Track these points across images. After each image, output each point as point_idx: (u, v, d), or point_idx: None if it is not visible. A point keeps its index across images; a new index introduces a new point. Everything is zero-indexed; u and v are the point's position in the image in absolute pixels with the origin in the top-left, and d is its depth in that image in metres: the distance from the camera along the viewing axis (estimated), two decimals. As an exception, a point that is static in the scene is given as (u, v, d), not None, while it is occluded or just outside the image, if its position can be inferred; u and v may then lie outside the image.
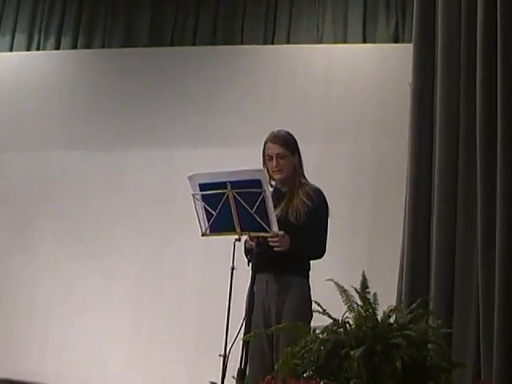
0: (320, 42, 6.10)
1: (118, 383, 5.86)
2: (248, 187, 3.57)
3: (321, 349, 3.03)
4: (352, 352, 2.93)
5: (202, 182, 3.66)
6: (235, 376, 3.50)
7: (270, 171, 3.93)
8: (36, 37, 6.80)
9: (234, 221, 3.61)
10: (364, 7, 5.99)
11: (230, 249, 3.75)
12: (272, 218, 3.59)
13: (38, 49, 6.78)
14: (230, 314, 3.71)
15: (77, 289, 6.16)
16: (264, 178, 3.62)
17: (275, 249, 3.66)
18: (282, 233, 3.65)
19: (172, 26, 6.52)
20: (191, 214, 3.75)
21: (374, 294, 3.17)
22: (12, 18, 6.87)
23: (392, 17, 5.91)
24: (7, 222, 6.47)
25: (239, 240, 3.68)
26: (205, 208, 3.67)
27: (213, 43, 6.39)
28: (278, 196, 3.88)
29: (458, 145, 4.24)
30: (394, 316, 3.17)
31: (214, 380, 3.55)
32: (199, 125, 6.14)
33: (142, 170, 6.25)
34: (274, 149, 3.93)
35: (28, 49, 6.80)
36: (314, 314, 3.46)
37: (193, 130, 6.14)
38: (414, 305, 3.26)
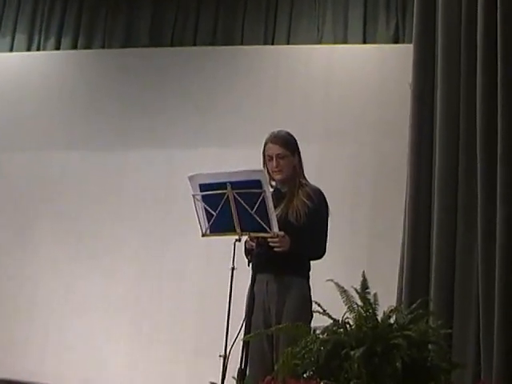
0: (320, 42, 6.11)
1: (117, 383, 5.86)
2: (248, 188, 3.57)
3: (321, 349, 3.03)
4: (352, 352, 2.93)
5: (203, 182, 3.66)
6: (235, 376, 3.50)
7: (270, 171, 3.93)
8: (36, 37, 6.81)
9: (235, 221, 3.62)
10: (364, 8, 5.99)
11: (230, 249, 3.76)
12: (272, 219, 3.59)
13: (38, 49, 6.79)
14: (230, 314, 3.72)
15: (77, 289, 6.16)
16: (264, 178, 3.62)
17: (275, 249, 3.66)
18: (282, 233, 3.65)
19: (172, 26, 6.52)
20: (191, 214, 3.75)
21: (375, 295, 3.17)
22: (12, 18, 6.88)
23: (392, 17, 5.92)
24: (7, 222, 6.47)
25: (239, 240, 3.68)
26: (205, 208, 3.67)
27: (213, 43, 6.39)
28: (278, 196, 3.88)
29: (458, 145, 4.24)
30: (394, 316, 3.17)
31: (214, 380, 3.55)
32: (199, 125, 6.14)
33: (142, 170, 6.25)
34: (274, 149, 3.93)
35: (28, 49, 6.81)
36: (314, 314, 3.46)
37: (193, 131, 6.15)
38: (414, 305, 3.27)
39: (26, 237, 6.39)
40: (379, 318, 3.11)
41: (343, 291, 3.20)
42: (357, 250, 5.52)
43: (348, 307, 3.15)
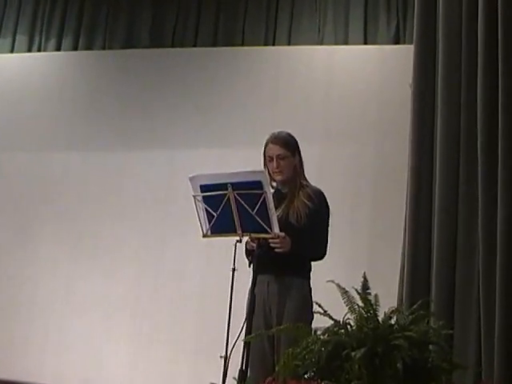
0: (321, 43, 6.11)
1: (117, 383, 5.87)
2: (249, 188, 3.57)
3: (322, 350, 3.03)
4: (353, 353, 2.93)
5: (203, 183, 3.66)
6: (236, 377, 3.51)
7: (271, 172, 3.92)
8: (37, 38, 6.81)
9: (235, 222, 3.61)
10: (365, 8, 5.99)
11: (230, 249, 3.77)
12: (273, 220, 3.60)
13: (39, 50, 6.80)
14: (231, 315, 3.72)
15: (77, 289, 6.17)
16: (265, 179, 3.62)
17: (276, 250, 3.66)
18: (282, 234, 3.65)
19: (173, 27, 6.53)
20: (191, 214, 3.75)
21: (375, 296, 3.17)
22: (13, 19, 6.89)
23: (393, 18, 5.92)
24: (7, 222, 6.48)
25: (240, 241, 3.69)
26: (206, 209, 3.67)
27: (214, 44, 6.40)
28: (278, 197, 3.88)
29: (459, 146, 4.23)
30: (395, 317, 3.17)
31: (214, 381, 3.55)
32: (200, 125, 6.15)
33: (143, 171, 6.25)
34: (275, 150, 3.93)
35: (29, 50, 6.82)
36: (315, 315, 3.46)
37: (194, 131, 6.15)
38: (415, 306, 3.27)
39: (26, 237, 6.40)
40: (380, 319, 3.11)
41: (344, 292, 3.20)
42: (357, 250, 5.53)
43: (349, 308, 3.15)
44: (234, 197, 3.59)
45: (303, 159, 4.00)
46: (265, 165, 3.98)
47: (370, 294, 3.17)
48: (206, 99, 6.18)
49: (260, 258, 3.67)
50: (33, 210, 6.43)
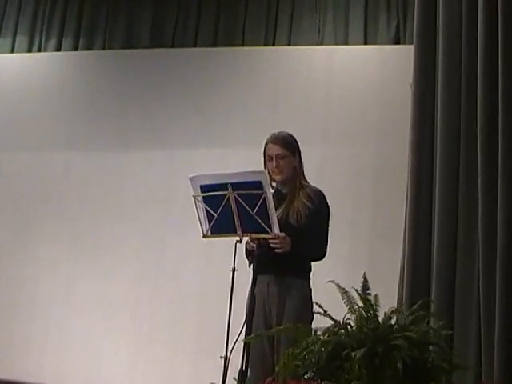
0: (321, 43, 6.11)
1: (117, 383, 5.87)
2: (249, 189, 3.57)
3: (322, 350, 3.03)
4: (353, 353, 2.94)
5: (204, 183, 3.66)
6: (236, 377, 3.51)
7: (270, 172, 3.92)
8: (37, 38, 6.81)
9: (235, 222, 3.61)
10: (365, 9, 5.99)
11: (230, 249, 3.77)
12: (273, 220, 3.59)
13: (39, 50, 6.80)
14: (231, 315, 3.72)
15: (77, 289, 6.17)
16: (265, 179, 3.62)
17: (276, 250, 3.65)
18: (283, 234, 3.64)
19: (173, 27, 6.52)
20: (192, 214, 3.75)
21: (375, 296, 3.17)
22: (13, 19, 6.89)
23: (393, 18, 5.92)
24: (7, 221, 6.48)
25: (240, 241, 3.69)
26: (206, 209, 3.67)
27: (214, 44, 6.39)
28: (278, 197, 3.88)
29: (459, 146, 4.24)
30: (395, 317, 3.17)
31: (214, 381, 3.55)
32: (200, 126, 6.14)
33: (143, 171, 6.25)
34: (274, 149, 3.93)
35: (29, 50, 6.82)
36: (315, 315, 3.47)
37: (194, 131, 6.15)
38: (415, 306, 3.27)
39: (26, 237, 6.40)
40: (380, 319, 3.11)
41: (344, 292, 3.20)
42: (357, 250, 5.53)
43: (349, 308, 3.16)
44: (234, 197, 3.59)
45: (303, 159, 4.00)
46: (265, 164, 3.98)
47: (369, 294, 3.18)
48: (206, 99, 6.18)
49: (260, 258, 3.67)
50: (33, 210, 6.43)
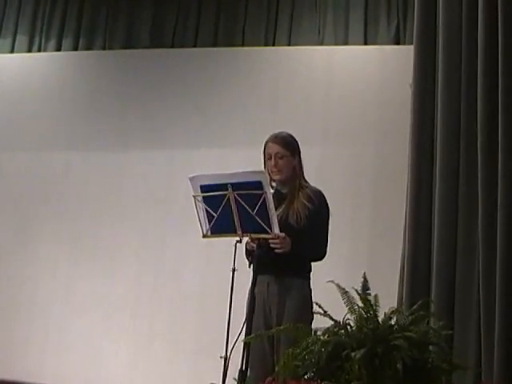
0: (321, 43, 6.11)
1: (117, 383, 5.86)
2: (249, 189, 3.57)
3: (322, 350, 3.03)
4: (353, 354, 2.94)
5: (204, 183, 3.66)
6: (236, 378, 3.51)
7: (269, 171, 3.92)
8: (37, 38, 6.81)
9: (235, 222, 3.61)
10: (365, 9, 5.98)
11: (230, 249, 3.76)
12: (273, 220, 3.59)
13: (39, 50, 6.80)
14: (231, 315, 3.72)
15: (77, 289, 6.17)
16: (265, 179, 3.62)
17: (276, 250, 3.66)
18: (282, 234, 3.64)
19: (173, 27, 6.52)
20: (192, 214, 3.75)
21: (375, 296, 3.17)
22: (13, 19, 6.88)
23: (393, 18, 5.91)
24: (7, 221, 6.48)
25: (240, 242, 3.69)
26: (206, 209, 3.67)
27: (214, 45, 6.39)
28: (278, 197, 3.87)
29: (459, 146, 4.23)
30: (395, 318, 3.17)
31: (214, 381, 3.55)
32: (200, 126, 6.14)
33: (143, 171, 6.25)
34: (274, 148, 3.93)
35: (29, 50, 6.82)
36: (315, 315, 3.47)
37: (194, 131, 6.15)
38: (415, 306, 3.27)
39: (26, 237, 6.40)
40: (380, 320, 3.11)
41: (344, 292, 3.20)
42: (357, 250, 5.53)
43: (349, 308, 3.16)
44: (234, 197, 3.59)
45: (303, 159, 4.00)
46: (265, 164, 3.98)
47: (369, 294, 3.18)
48: (206, 99, 6.18)
49: (260, 258, 3.67)
50: (33, 210, 6.43)
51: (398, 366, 2.89)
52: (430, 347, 3.10)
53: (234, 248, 3.74)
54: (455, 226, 4.18)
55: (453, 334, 3.84)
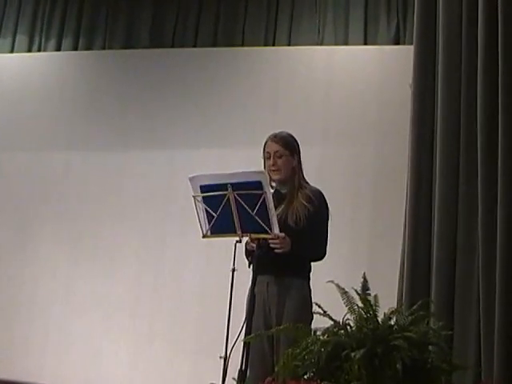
0: (321, 43, 6.11)
1: (117, 383, 5.86)
2: (249, 189, 3.57)
3: (321, 350, 3.03)
4: (353, 354, 2.93)
5: (203, 183, 3.66)
6: (236, 377, 3.51)
7: (268, 170, 3.91)
8: (37, 38, 6.81)
9: (235, 222, 3.61)
10: (365, 9, 5.99)
11: (230, 249, 3.76)
12: (273, 220, 3.59)
13: (39, 50, 6.80)
14: (231, 315, 3.72)
15: (77, 289, 6.17)
16: (265, 179, 3.62)
17: (276, 251, 3.65)
18: (282, 234, 3.64)
19: (173, 27, 6.52)
20: (192, 214, 3.75)
21: (375, 296, 3.17)
22: (13, 19, 6.88)
23: (393, 18, 5.92)
24: (7, 221, 6.48)
25: (240, 242, 3.69)
26: (206, 210, 3.67)
27: (214, 45, 6.39)
28: (277, 197, 3.88)
29: (459, 146, 4.24)
30: (394, 318, 3.16)
31: (214, 381, 3.55)
32: (200, 126, 6.14)
33: (143, 171, 6.25)
34: (273, 147, 3.93)
35: (29, 50, 6.82)
36: (314, 315, 3.47)
37: (194, 131, 6.15)
38: (415, 307, 3.27)
39: (26, 237, 6.40)
40: (380, 320, 3.11)
41: (344, 292, 3.20)
42: (357, 250, 5.53)
43: (348, 308, 3.16)
44: (234, 197, 3.59)
45: (303, 159, 4.00)
46: (264, 163, 3.98)
47: (369, 294, 3.18)
48: (206, 99, 6.18)
49: (260, 258, 3.67)
50: (33, 210, 6.43)
51: (397, 366, 2.89)
52: (430, 347, 3.10)
53: (233, 248, 3.74)
54: (455, 221, 4.18)
55: (453, 334, 3.84)
